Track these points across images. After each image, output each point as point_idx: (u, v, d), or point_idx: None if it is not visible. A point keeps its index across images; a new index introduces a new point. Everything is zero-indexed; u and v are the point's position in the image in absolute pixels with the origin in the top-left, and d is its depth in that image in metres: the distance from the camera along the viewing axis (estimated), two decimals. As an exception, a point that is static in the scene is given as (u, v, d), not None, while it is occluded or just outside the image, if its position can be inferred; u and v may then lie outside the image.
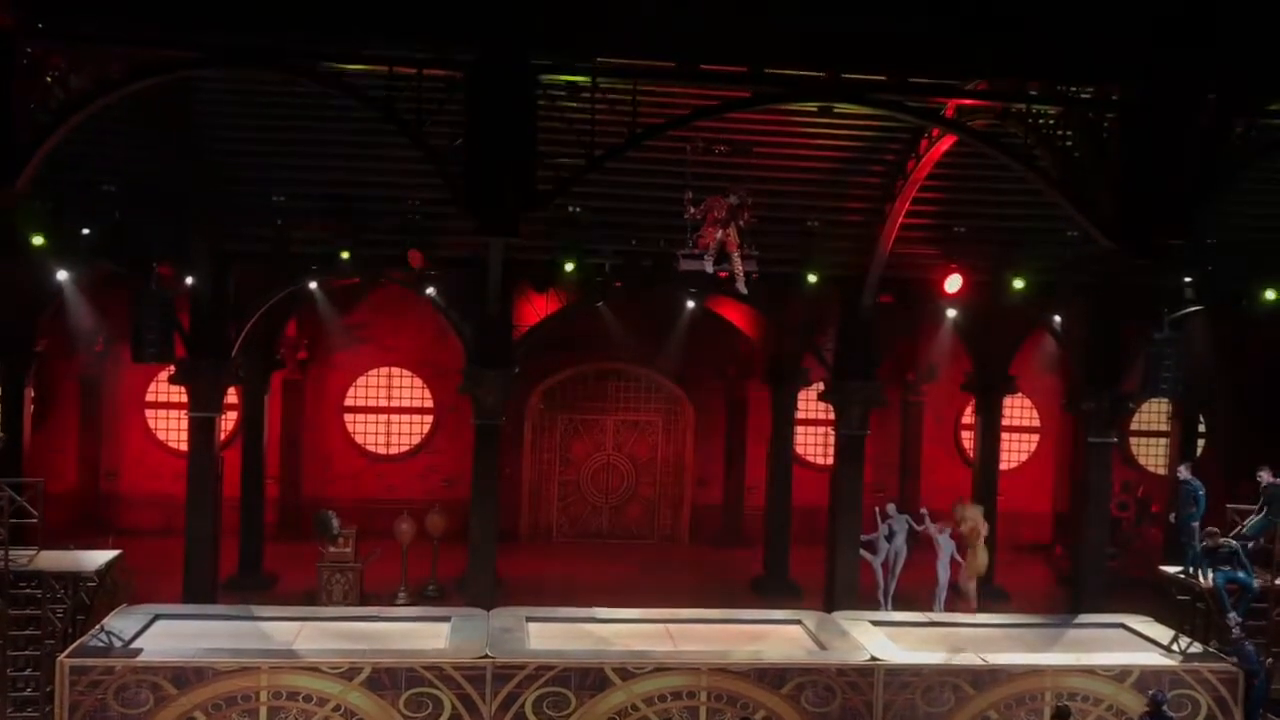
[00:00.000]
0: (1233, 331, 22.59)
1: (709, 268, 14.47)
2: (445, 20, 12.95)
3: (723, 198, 14.32)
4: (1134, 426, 27.79)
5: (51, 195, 16.17)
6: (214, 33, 13.17)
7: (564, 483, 27.02)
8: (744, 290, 15.22)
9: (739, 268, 14.63)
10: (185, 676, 13.14)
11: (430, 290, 19.36)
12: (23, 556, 14.61)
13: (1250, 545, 15.69)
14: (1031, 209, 17.87)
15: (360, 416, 26.88)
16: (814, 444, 27.26)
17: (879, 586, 19.90)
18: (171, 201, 17.61)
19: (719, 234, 14.36)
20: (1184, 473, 16.70)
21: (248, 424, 22.40)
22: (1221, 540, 15.35)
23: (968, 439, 26.33)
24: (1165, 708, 13.22)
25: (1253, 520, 15.89)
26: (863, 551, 19.97)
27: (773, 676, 13.80)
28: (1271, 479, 15.88)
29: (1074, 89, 14.15)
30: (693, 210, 14.33)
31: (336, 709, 13.29)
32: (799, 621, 16.03)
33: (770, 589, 22.27)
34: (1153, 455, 28.21)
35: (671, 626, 15.74)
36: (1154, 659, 14.63)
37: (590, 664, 13.71)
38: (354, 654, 13.74)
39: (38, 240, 16.82)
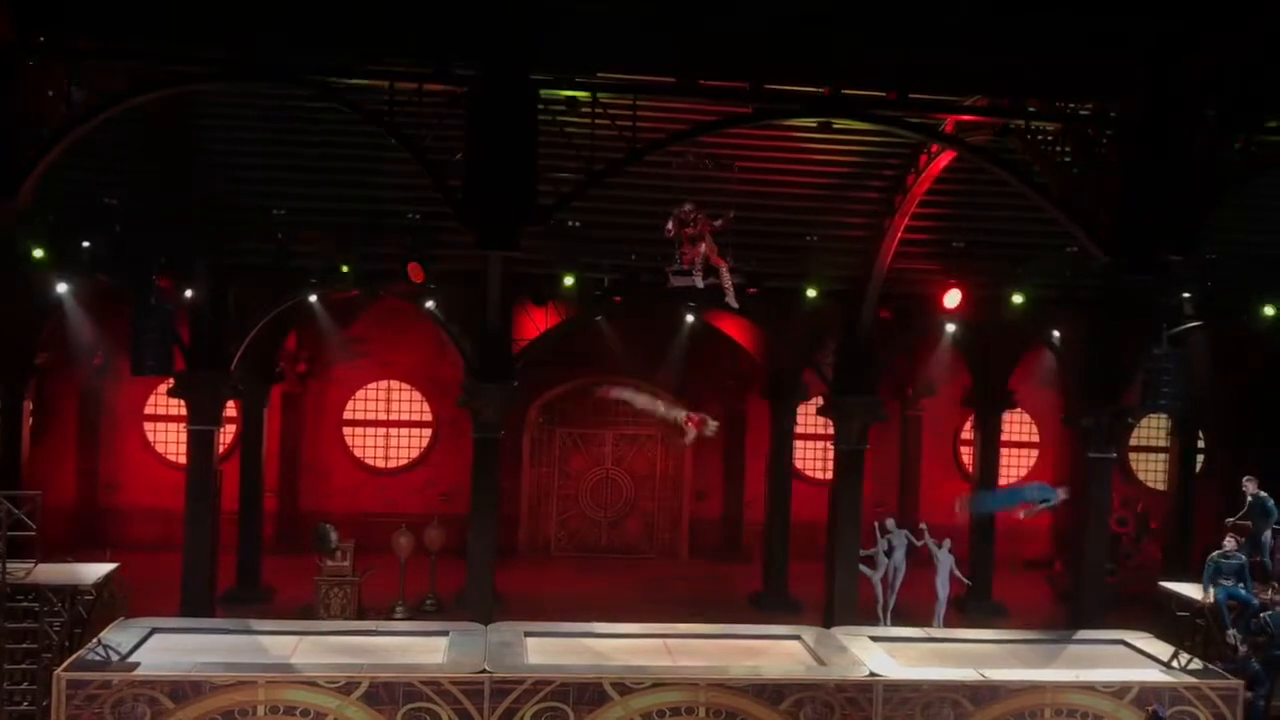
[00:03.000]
0: (1232, 346, 22.62)
1: (699, 283, 14.46)
2: (446, 35, 13.00)
3: (680, 210, 14.30)
4: (1133, 442, 27.76)
5: (52, 208, 16.20)
6: (215, 47, 13.23)
7: (563, 497, 26.99)
8: (734, 304, 15.21)
9: (727, 282, 14.63)
10: (182, 690, 13.09)
11: (430, 304, 19.37)
12: (20, 569, 14.59)
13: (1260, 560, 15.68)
14: (1031, 224, 17.90)
15: (359, 430, 26.87)
16: (813, 459, 27.25)
17: (878, 602, 19.86)
18: (172, 215, 17.63)
19: (701, 248, 14.37)
20: (1250, 486, 16.20)
21: (246, 437, 22.37)
22: (1232, 552, 15.30)
23: (967, 454, 26.32)
24: (1164, 724, 13.24)
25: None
26: (862, 566, 19.94)
27: (771, 692, 13.76)
28: (1256, 490, 15.84)
29: (1073, 105, 14.21)
30: (668, 228, 14.34)
31: (334, 723, 13.26)
32: (798, 637, 15.98)
33: (769, 604, 22.24)
34: (1152, 471, 28.20)
35: (670, 641, 15.70)
36: (1154, 675, 14.59)
37: (588, 679, 13.67)
38: (352, 668, 13.70)
39: (38, 253, 16.85)
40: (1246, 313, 19.79)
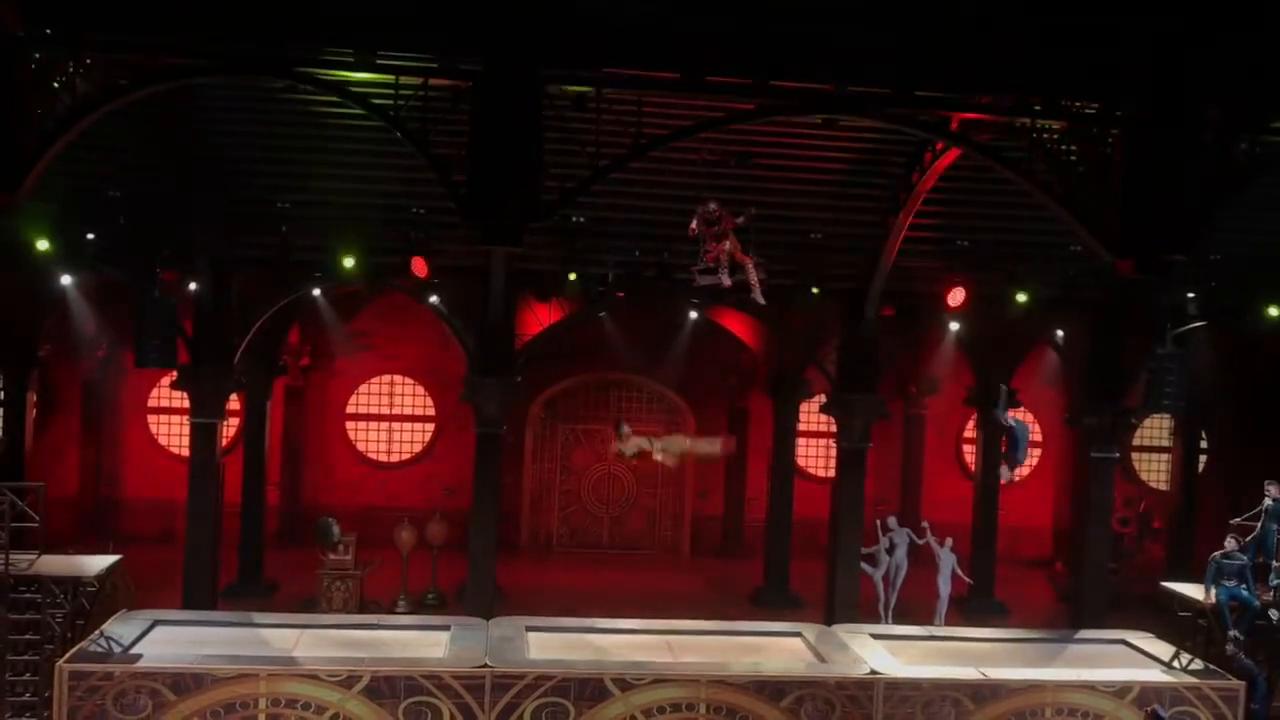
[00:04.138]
0: (1235, 347, 22.59)
1: (726, 280, 14.38)
2: (452, 30, 12.99)
3: (702, 208, 14.26)
4: (1136, 442, 27.75)
5: (56, 201, 16.21)
6: (220, 40, 13.23)
7: (565, 492, 27.00)
8: (761, 300, 15.11)
9: (753, 278, 14.53)
10: (184, 683, 13.11)
11: (433, 299, 19.38)
12: (23, 561, 14.59)
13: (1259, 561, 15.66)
14: (1035, 223, 17.88)
15: (362, 424, 26.89)
16: (815, 456, 27.24)
17: (879, 600, 19.87)
18: (176, 208, 17.65)
19: (726, 245, 14.30)
20: (1273, 490, 15.85)
21: (249, 430, 22.40)
22: (1234, 553, 15.29)
23: (969, 452, 26.31)
24: (1165, 723, 13.24)
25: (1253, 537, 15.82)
26: (863, 564, 19.93)
27: (772, 689, 13.76)
28: (1279, 494, 15.76)
29: (1078, 104, 14.19)
30: (692, 226, 14.28)
31: (335, 717, 13.26)
32: (799, 634, 15.98)
33: (770, 601, 22.24)
34: (1155, 470, 28.18)
35: (671, 638, 15.70)
36: (1155, 675, 14.58)
37: (589, 674, 13.67)
38: (353, 662, 13.71)
39: (42, 245, 16.86)
40: (1250, 313, 19.75)
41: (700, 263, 14.46)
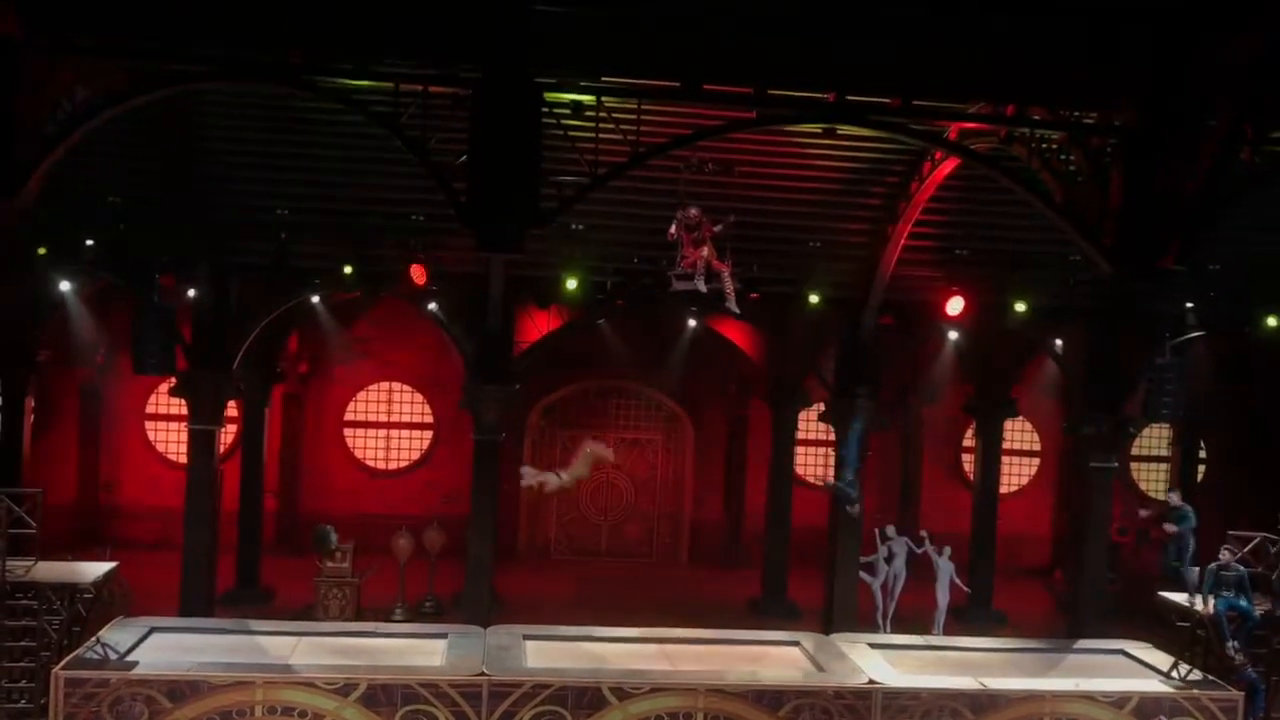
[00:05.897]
0: (1234, 357, 22.60)
1: (702, 286, 14.41)
2: (451, 37, 13.00)
3: (684, 213, 14.27)
4: (1135, 451, 27.74)
5: (55, 206, 16.20)
6: (220, 47, 13.24)
7: (562, 500, 26.90)
8: (735, 309, 15.15)
9: (728, 287, 14.56)
10: (180, 690, 13.07)
11: (432, 305, 19.37)
12: (20, 567, 14.57)
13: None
14: (1034, 232, 17.88)
15: (360, 431, 26.87)
16: (814, 464, 27.22)
17: (878, 609, 19.84)
18: (174, 214, 17.66)
19: (704, 251, 14.32)
20: (1175, 499, 16.61)
21: (247, 437, 22.39)
22: (1231, 564, 15.32)
23: (968, 461, 26.29)
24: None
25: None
26: (862, 573, 19.91)
27: (770, 698, 13.74)
28: (1180, 501, 16.36)
29: (1077, 114, 14.20)
30: (671, 231, 14.30)
31: (331, 725, 13.25)
32: (797, 643, 15.95)
33: (768, 610, 22.20)
34: (1153, 480, 28.16)
35: (669, 646, 15.66)
36: (1154, 685, 14.56)
37: (587, 683, 13.64)
38: (350, 670, 13.67)
39: (41, 251, 16.87)
40: (1249, 323, 19.78)
41: (677, 267, 14.49)
